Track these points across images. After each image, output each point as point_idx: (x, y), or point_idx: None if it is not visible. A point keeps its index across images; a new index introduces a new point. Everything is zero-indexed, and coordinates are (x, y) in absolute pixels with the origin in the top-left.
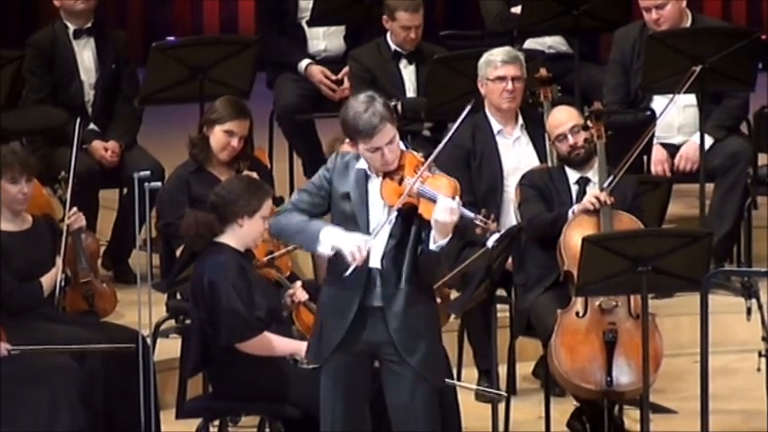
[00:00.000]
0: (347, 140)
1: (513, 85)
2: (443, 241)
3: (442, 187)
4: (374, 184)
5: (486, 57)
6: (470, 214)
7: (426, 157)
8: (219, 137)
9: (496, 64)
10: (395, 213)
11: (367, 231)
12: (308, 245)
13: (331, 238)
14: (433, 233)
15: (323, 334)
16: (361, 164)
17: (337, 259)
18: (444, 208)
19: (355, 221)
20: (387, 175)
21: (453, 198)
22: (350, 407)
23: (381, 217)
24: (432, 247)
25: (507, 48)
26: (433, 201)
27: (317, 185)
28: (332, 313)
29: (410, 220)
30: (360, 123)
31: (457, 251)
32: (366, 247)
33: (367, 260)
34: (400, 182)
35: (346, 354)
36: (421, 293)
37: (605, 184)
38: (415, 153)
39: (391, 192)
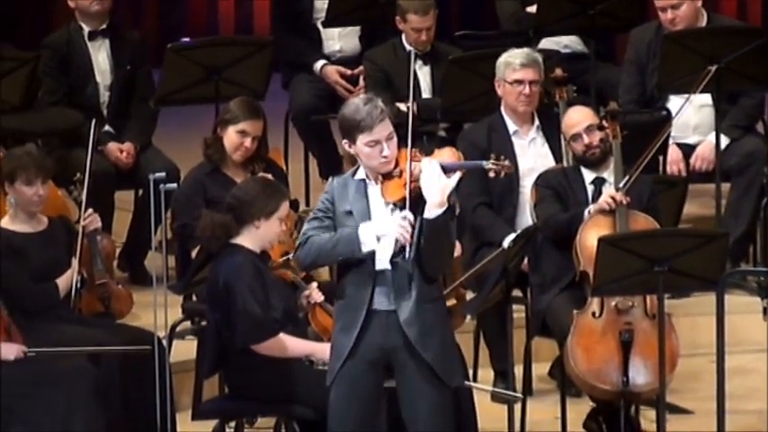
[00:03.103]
0: (344, 142)
1: (530, 89)
2: (438, 210)
3: (443, 156)
4: (374, 191)
5: (505, 57)
6: (479, 162)
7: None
8: (233, 137)
9: (515, 66)
10: (397, 211)
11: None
12: (351, 251)
13: (371, 232)
14: (427, 203)
15: (336, 350)
16: (359, 174)
17: (344, 268)
18: (428, 165)
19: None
20: (386, 177)
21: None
22: (362, 418)
23: (386, 218)
24: (426, 215)
25: (526, 50)
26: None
27: (322, 210)
28: (344, 327)
29: (415, 215)
30: (360, 114)
31: (473, 252)
32: (408, 221)
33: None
34: (401, 175)
35: (359, 363)
36: (432, 291)
37: (621, 184)
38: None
39: (394, 187)
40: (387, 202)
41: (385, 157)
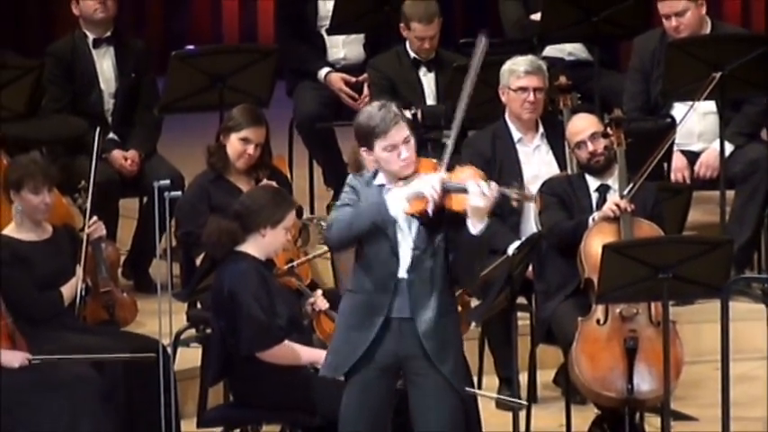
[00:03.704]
0: (362, 150)
1: (534, 96)
2: (482, 225)
3: (468, 176)
4: None
5: (509, 65)
6: (504, 189)
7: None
8: (236, 145)
9: (519, 74)
10: (414, 222)
11: (396, 244)
12: (378, 215)
13: (399, 194)
14: (470, 221)
15: (343, 346)
16: (379, 180)
17: (363, 267)
18: (478, 193)
19: (385, 233)
20: (405, 182)
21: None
22: (373, 424)
23: (405, 228)
24: (473, 231)
25: (531, 57)
26: (463, 191)
27: (350, 197)
28: (355, 325)
29: (433, 228)
30: (374, 120)
31: None
32: (439, 182)
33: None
34: None
35: (372, 369)
36: (449, 303)
37: (625, 192)
38: (429, 158)
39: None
40: (405, 211)
41: (403, 160)
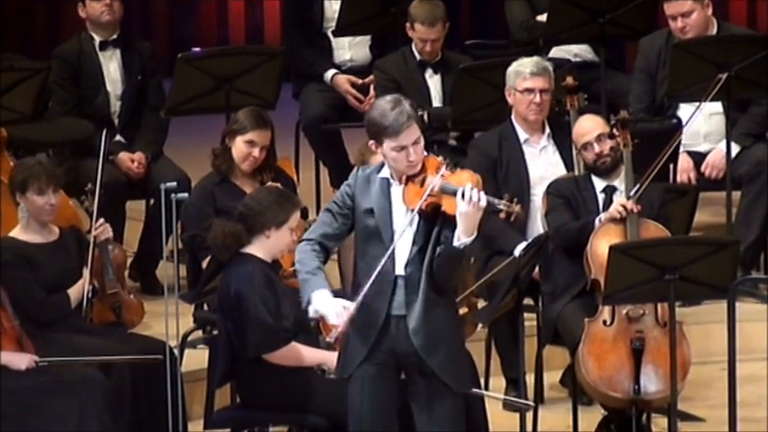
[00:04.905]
0: (371, 143)
1: (540, 97)
2: (468, 239)
3: (464, 180)
4: (397, 192)
5: (515, 66)
6: (493, 200)
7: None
8: (241, 147)
9: (525, 75)
10: (415, 218)
11: (391, 244)
12: (303, 298)
13: (316, 304)
14: (458, 230)
15: (350, 348)
16: (384, 173)
17: (363, 268)
18: (464, 198)
19: (379, 236)
20: (409, 179)
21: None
22: (377, 417)
23: (406, 224)
24: (455, 243)
25: (537, 58)
26: (455, 194)
27: (339, 204)
28: (360, 326)
29: (433, 224)
30: (387, 120)
31: (484, 260)
32: (347, 312)
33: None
34: (422, 183)
35: (372, 364)
36: (440, 298)
37: (632, 193)
38: (435, 156)
39: (413, 194)
40: (406, 207)
41: (411, 161)
